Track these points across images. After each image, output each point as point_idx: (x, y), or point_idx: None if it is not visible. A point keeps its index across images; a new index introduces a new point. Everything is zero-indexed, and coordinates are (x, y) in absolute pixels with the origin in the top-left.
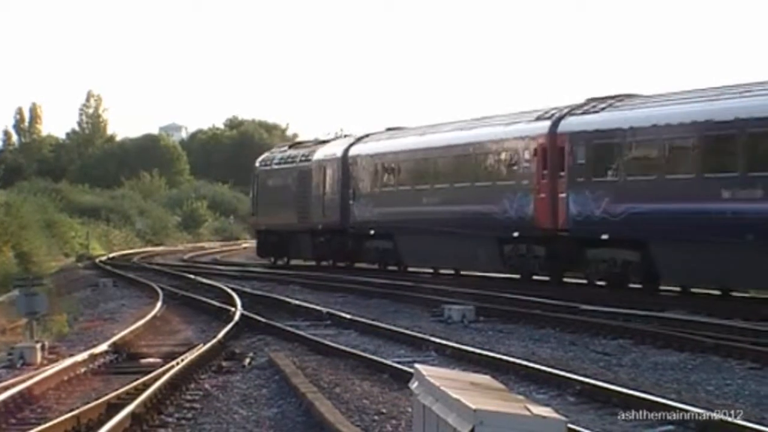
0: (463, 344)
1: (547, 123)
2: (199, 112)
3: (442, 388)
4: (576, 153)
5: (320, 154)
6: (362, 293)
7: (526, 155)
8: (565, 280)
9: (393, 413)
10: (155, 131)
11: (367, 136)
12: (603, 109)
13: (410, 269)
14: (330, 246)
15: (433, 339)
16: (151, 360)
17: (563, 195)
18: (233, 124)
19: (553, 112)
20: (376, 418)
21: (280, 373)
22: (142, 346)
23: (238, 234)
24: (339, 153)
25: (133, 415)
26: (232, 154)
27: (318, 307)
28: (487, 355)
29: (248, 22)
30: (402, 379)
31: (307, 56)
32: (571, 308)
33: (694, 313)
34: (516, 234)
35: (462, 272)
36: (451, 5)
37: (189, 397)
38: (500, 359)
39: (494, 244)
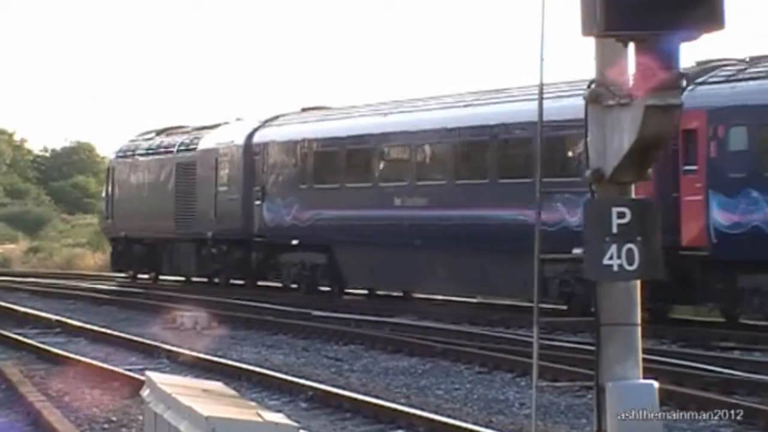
0: (195, 351)
1: None
2: None
3: (173, 395)
4: (727, 137)
5: (209, 141)
6: (92, 300)
7: None
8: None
9: (124, 421)
10: None
11: (276, 118)
12: (763, 75)
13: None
14: (224, 259)
15: (164, 346)
16: None
17: (695, 198)
18: None
19: None
20: (106, 426)
21: (7, 381)
22: None
23: None
24: (239, 140)
25: None
26: None
27: (47, 315)
28: (219, 362)
29: None
30: (133, 386)
31: (30, 58)
32: (303, 314)
33: (423, 318)
34: (580, 250)
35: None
36: None
37: None
38: (232, 366)
39: (523, 263)
